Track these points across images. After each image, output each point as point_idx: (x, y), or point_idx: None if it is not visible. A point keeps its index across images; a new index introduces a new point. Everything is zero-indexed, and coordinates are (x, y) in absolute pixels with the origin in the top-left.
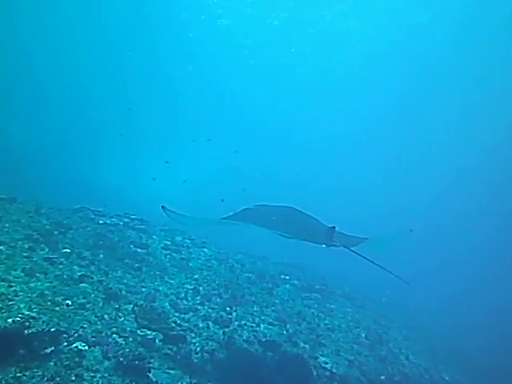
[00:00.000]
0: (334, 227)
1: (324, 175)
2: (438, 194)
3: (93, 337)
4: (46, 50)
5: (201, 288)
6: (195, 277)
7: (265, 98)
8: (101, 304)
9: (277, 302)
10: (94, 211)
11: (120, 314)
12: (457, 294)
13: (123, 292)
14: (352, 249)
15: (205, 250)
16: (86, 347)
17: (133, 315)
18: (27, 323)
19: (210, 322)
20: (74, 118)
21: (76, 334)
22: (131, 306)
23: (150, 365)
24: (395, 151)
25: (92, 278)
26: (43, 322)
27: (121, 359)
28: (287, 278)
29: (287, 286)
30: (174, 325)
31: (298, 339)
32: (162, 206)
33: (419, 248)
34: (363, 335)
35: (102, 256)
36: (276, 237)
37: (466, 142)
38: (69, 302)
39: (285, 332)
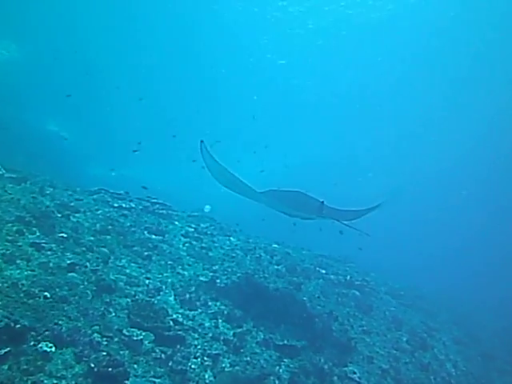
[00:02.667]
0: (323, 202)
1: None
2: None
3: (68, 336)
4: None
5: (218, 281)
6: (214, 268)
7: None
8: (89, 297)
9: (305, 299)
10: (112, 194)
11: (110, 310)
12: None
13: (120, 284)
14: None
15: (231, 238)
16: (53, 348)
17: (126, 311)
18: None
19: (220, 321)
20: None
21: (47, 333)
22: (127, 300)
23: (131, 371)
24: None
25: (85, 267)
26: None
27: (92, 365)
28: (323, 271)
29: (320, 280)
30: (172, 323)
31: (325, 343)
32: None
33: None
34: (404, 339)
35: (106, 242)
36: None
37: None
38: (47, 294)
39: (310, 334)
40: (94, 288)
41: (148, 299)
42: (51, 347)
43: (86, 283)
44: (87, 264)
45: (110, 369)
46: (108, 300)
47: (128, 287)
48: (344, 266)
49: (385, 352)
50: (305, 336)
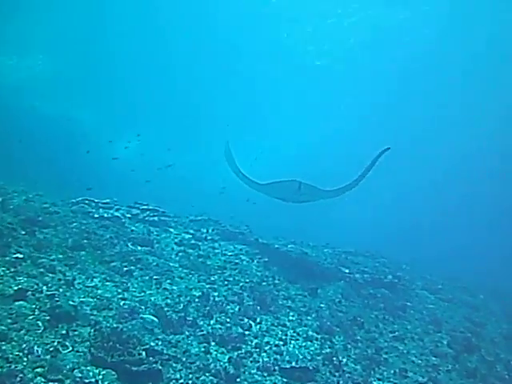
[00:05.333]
0: (300, 182)
1: None
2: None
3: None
4: None
5: (215, 294)
6: (212, 279)
7: None
8: (40, 330)
9: (323, 305)
10: (97, 203)
11: (67, 344)
12: None
13: (85, 309)
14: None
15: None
16: None
17: (87, 343)
18: None
19: (211, 344)
20: None
21: None
22: (90, 329)
23: None
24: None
25: (40, 293)
26: None
27: None
28: (346, 271)
29: (341, 282)
30: (144, 355)
31: (347, 358)
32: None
33: None
34: (445, 342)
35: (79, 259)
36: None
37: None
38: None
39: (328, 349)
40: (48, 318)
41: (116, 326)
42: None
43: (37, 312)
44: (43, 288)
45: None
46: (64, 332)
47: (95, 312)
48: (373, 262)
49: (422, 360)
50: (320, 353)
